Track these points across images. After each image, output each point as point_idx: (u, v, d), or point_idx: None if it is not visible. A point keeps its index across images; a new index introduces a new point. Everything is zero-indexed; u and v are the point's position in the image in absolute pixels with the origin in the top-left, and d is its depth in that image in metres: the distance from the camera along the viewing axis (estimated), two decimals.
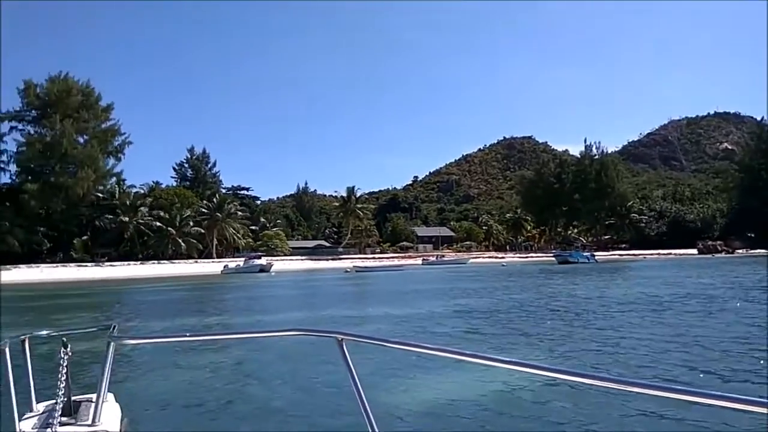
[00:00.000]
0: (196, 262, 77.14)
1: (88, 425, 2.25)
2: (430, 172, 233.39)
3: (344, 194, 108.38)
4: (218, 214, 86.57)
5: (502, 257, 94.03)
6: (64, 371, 2.29)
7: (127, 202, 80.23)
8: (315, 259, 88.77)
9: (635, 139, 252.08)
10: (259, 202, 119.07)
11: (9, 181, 79.29)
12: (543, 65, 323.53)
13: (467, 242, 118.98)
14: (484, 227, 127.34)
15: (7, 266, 63.56)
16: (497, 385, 7.37)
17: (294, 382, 8.31)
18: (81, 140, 79.61)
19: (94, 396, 2.42)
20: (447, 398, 7.08)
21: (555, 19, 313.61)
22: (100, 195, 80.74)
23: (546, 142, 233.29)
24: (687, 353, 9.59)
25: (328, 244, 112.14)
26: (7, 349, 2.29)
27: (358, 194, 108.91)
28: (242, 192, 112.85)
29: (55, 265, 68.56)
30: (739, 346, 10.01)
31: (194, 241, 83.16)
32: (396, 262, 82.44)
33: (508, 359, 1.72)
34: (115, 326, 2.58)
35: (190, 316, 20.44)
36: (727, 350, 9.71)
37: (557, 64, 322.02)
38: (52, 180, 73.91)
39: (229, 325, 16.94)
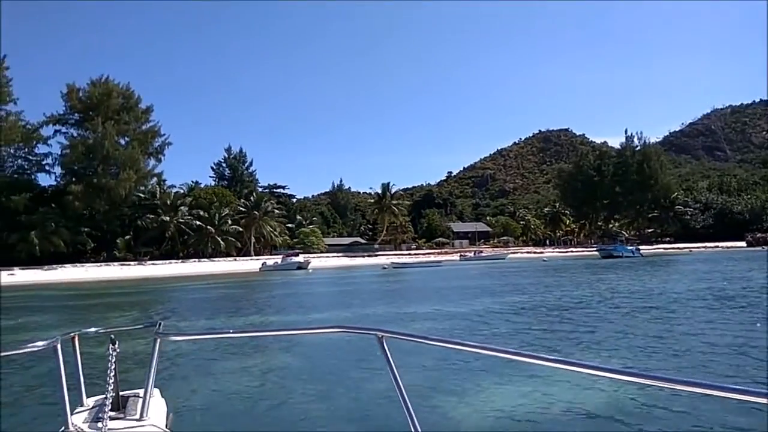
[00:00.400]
0: (235, 260, 77.89)
1: (136, 420, 2.32)
2: (464, 168, 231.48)
3: (379, 191, 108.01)
4: (255, 212, 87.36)
5: (541, 252, 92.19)
6: (113, 367, 2.35)
7: (168, 202, 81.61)
8: (351, 256, 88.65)
9: (677, 130, 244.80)
10: (294, 200, 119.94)
11: (54, 183, 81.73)
12: (579, 57, 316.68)
13: (504, 237, 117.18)
14: (521, 222, 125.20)
15: (53, 266, 65.37)
16: (555, 389, 6.97)
17: (335, 379, 8.23)
18: (122, 142, 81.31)
19: (140, 391, 2.50)
20: (493, 399, 6.82)
21: (591, 11, 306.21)
22: (142, 195, 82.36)
23: (583, 135, 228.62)
24: None
25: (363, 241, 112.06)
26: (59, 346, 2.30)
27: (393, 191, 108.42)
28: (278, 190, 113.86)
29: (99, 264, 70.17)
30: None
31: (233, 239, 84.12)
32: (432, 258, 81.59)
33: (561, 359, 1.67)
34: (160, 323, 2.65)
35: (233, 313, 20.29)
36: None
37: (593, 55, 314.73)
38: (95, 181, 75.65)
39: (273, 323, 16.78)
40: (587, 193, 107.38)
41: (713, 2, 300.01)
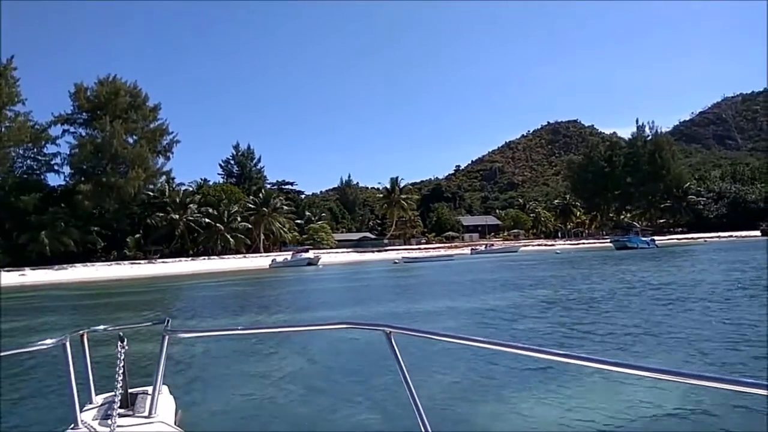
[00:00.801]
0: (245, 256, 77.74)
1: (145, 417, 2.33)
2: (472, 161, 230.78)
3: (387, 186, 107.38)
4: (264, 209, 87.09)
5: (553, 245, 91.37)
6: (122, 365, 2.36)
7: (177, 200, 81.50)
8: (361, 252, 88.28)
9: (686, 119, 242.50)
10: (303, 196, 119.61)
11: (63, 182, 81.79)
12: (587, 48, 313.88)
13: (515, 230, 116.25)
14: (531, 215, 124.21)
15: (64, 265, 65.43)
16: (567, 384, 6.75)
17: (343, 375, 8.17)
18: (130, 140, 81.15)
19: (149, 388, 2.51)
20: (502, 395, 6.67)
21: (598, 2, 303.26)
22: (151, 193, 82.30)
23: (592, 126, 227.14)
24: None
25: (372, 236, 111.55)
26: (67, 344, 2.29)
27: (402, 185, 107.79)
28: (287, 187, 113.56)
29: (109, 263, 70.20)
30: None
31: (242, 236, 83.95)
32: (443, 252, 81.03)
33: (571, 353, 1.65)
34: (168, 321, 2.63)
35: (245, 311, 19.91)
36: None
37: (602, 46, 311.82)
38: (104, 180, 75.63)
39: (286, 321, 16.42)
40: (598, 184, 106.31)
41: None
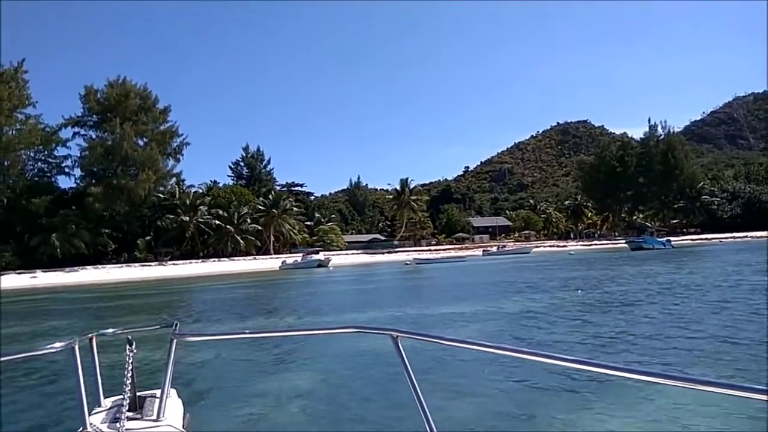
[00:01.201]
0: (255, 258, 77.50)
1: (153, 420, 2.34)
2: (481, 162, 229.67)
3: (397, 187, 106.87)
4: (274, 210, 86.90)
5: (565, 246, 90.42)
6: (130, 368, 2.35)
7: (187, 202, 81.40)
8: (371, 253, 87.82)
9: (698, 119, 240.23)
10: (312, 198, 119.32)
11: (74, 185, 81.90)
12: (597, 48, 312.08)
13: (526, 231, 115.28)
14: (542, 216, 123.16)
15: (75, 267, 65.45)
16: (577, 387, 6.67)
17: (351, 379, 8.14)
18: (141, 143, 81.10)
19: (157, 392, 2.51)
20: (510, 400, 6.65)
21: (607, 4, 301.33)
22: (161, 195, 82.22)
23: (602, 126, 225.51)
24: None
25: (382, 238, 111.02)
26: (76, 347, 2.31)
27: (411, 186, 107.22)
28: (296, 188, 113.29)
29: (120, 265, 70.22)
30: None
31: (252, 238, 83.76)
32: (454, 253, 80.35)
33: (578, 359, 1.65)
34: (177, 324, 2.65)
35: (253, 314, 19.66)
36: None
37: (612, 46, 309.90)
38: (115, 182, 75.61)
39: (298, 325, 16.02)
40: (610, 184, 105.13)
41: None
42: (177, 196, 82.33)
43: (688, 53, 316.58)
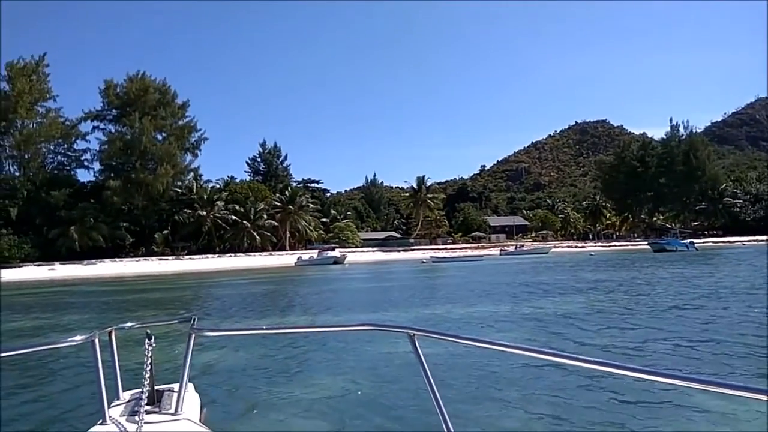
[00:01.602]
0: (271, 254, 77.49)
1: (172, 414, 2.35)
2: (498, 161, 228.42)
3: (414, 185, 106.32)
4: (290, 206, 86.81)
5: (583, 246, 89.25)
6: (149, 362, 2.36)
7: (205, 197, 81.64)
8: (386, 251, 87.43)
9: (718, 120, 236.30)
10: (328, 194, 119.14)
11: (93, 178, 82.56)
12: (616, 47, 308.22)
13: (543, 231, 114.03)
14: (560, 216, 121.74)
15: (93, 260, 65.87)
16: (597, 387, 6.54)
17: (367, 376, 8.00)
18: (159, 137, 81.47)
19: (175, 386, 2.53)
20: (527, 399, 6.54)
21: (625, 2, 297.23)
22: (179, 190, 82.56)
23: (621, 126, 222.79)
24: None
25: (398, 236, 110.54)
26: (96, 340, 2.34)
27: (428, 184, 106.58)
28: (312, 185, 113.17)
29: (137, 259, 70.55)
30: None
31: (268, 233, 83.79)
32: (471, 252, 79.61)
33: (599, 360, 1.64)
34: (195, 318, 2.66)
35: (269, 310, 19.29)
36: None
37: (630, 45, 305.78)
38: (133, 176, 75.97)
39: (311, 322, 15.75)
40: (630, 185, 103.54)
41: None
42: (194, 190, 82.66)
43: (709, 53, 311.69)
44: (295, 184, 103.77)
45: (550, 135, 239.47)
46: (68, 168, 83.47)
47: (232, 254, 76.23)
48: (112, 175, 77.97)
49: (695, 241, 69.93)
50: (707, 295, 17.09)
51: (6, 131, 74.54)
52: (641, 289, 19.83)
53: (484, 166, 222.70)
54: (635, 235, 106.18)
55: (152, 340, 2.42)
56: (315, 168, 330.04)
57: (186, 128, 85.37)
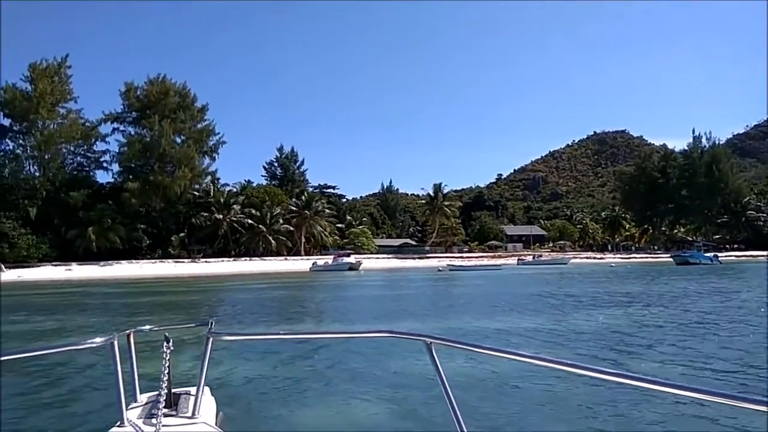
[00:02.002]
0: (286, 259, 77.19)
1: (188, 417, 2.39)
2: (514, 170, 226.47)
3: (430, 192, 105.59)
4: (306, 211, 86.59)
5: (602, 257, 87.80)
6: (167, 365, 2.38)
7: (221, 200, 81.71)
8: (401, 258, 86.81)
9: (740, 132, 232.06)
10: (344, 200, 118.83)
11: (111, 180, 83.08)
12: (637, 56, 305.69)
13: (561, 241, 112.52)
14: (578, 226, 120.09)
15: (109, 261, 66.06)
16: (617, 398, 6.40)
17: (383, 384, 7.95)
18: (178, 140, 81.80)
19: (191, 389, 2.57)
20: (551, 409, 6.52)
21: (649, 8, 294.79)
22: (196, 193, 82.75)
23: (641, 136, 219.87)
24: None
25: (413, 243, 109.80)
26: (115, 343, 2.35)
27: (444, 191, 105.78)
28: (328, 190, 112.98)
29: (153, 261, 70.66)
30: None
31: (283, 238, 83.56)
32: (488, 261, 78.61)
33: (623, 372, 1.62)
34: (212, 322, 2.69)
35: (285, 315, 18.98)
36: None
37: (652, 54, 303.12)
38: (152, 179, 76.27)
39: (329, 328, 15.43)
40: (651, 196, 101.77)
41: None
42: (211, 194, 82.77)
43: (731, 64, 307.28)
44: (311, 189, 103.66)
45: (568, 144, 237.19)
46: (87, 169, 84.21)
47: (248, 258, 76.09)
48: (130, 176, 78.34)
49: (718, 254, 68.30)
50: (756, 310, 16.13)
51: (27, 131, 75.34)
52: (679, 302, 18.91)
53: (501, 174, 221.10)
54: (655, 247, 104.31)
55: (170, 344, 2.41)
56: (331, 173, 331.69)
57: (205, 131, 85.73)
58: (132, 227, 73.99)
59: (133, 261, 68.61)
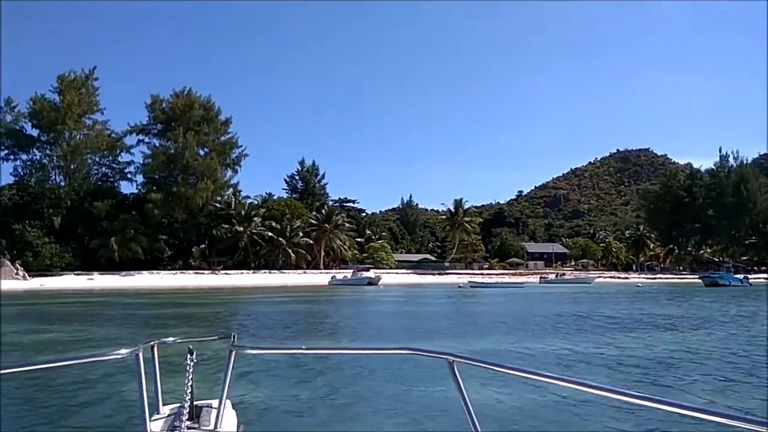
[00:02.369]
0: (305, 272, 77.02)
1: (210, 430, 2.39)
2: (535, 187, 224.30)
3: (451, 207, 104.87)
4: (326, 225, 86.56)
5: (627, 277, 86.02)
6: (190, 377, 2.41)
7: (242, 213, 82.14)
8: (421, 273, 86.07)
9: (766, 152, 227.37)
10: (364, 214, 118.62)
11: (135, 191, 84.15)
12: (661, 72, 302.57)
13: (583, 260, 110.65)
14: (601, 245, 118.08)
15: (131, 272, 66.46)
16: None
17: (405, 402, 7.86)
18: (201, 152, 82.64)
19: (213, 402, 2.57)
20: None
21: (671, 20, 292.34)
22: (218, 205, 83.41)
23: (666, 155, 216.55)
24: None
25: (433, 259, 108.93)
26: (140, 354, 2.36)
27: (465, 207, 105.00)
28: (348, 204, 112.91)
29: (174, 272, 70.98)
30: None
31: (303, 251, 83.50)
32: (509, 278, 77.44)
33: (656, 398, 1.59)
34: (234, 335, 2.69)
35: (306, 330, 18.76)
36: None
37: (677, 71, 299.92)
38: (175, 190, 77.02)
39: (349, 343, 15.12)
40: (676, 215, 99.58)
41: None
42: (233, 206, 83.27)
43: (756, 81, 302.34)
44: (331, 203, 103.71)
45: (590, 162, 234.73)
46: (112, 180, 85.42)
47: (267, 271, 76.09)
48: (154, 188, 79.28)
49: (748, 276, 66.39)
50: None
51: (54, 142, 76.73)
52: (728, 326, 17.93)
53: (521, 191, 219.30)
54: (681, 268, 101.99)
55: (194, 356, 2.43)
56: (351, 187, 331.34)
57: (228, 144, 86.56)
58: (154, 238, 74.58)
59: (154, 271, 69.01)
